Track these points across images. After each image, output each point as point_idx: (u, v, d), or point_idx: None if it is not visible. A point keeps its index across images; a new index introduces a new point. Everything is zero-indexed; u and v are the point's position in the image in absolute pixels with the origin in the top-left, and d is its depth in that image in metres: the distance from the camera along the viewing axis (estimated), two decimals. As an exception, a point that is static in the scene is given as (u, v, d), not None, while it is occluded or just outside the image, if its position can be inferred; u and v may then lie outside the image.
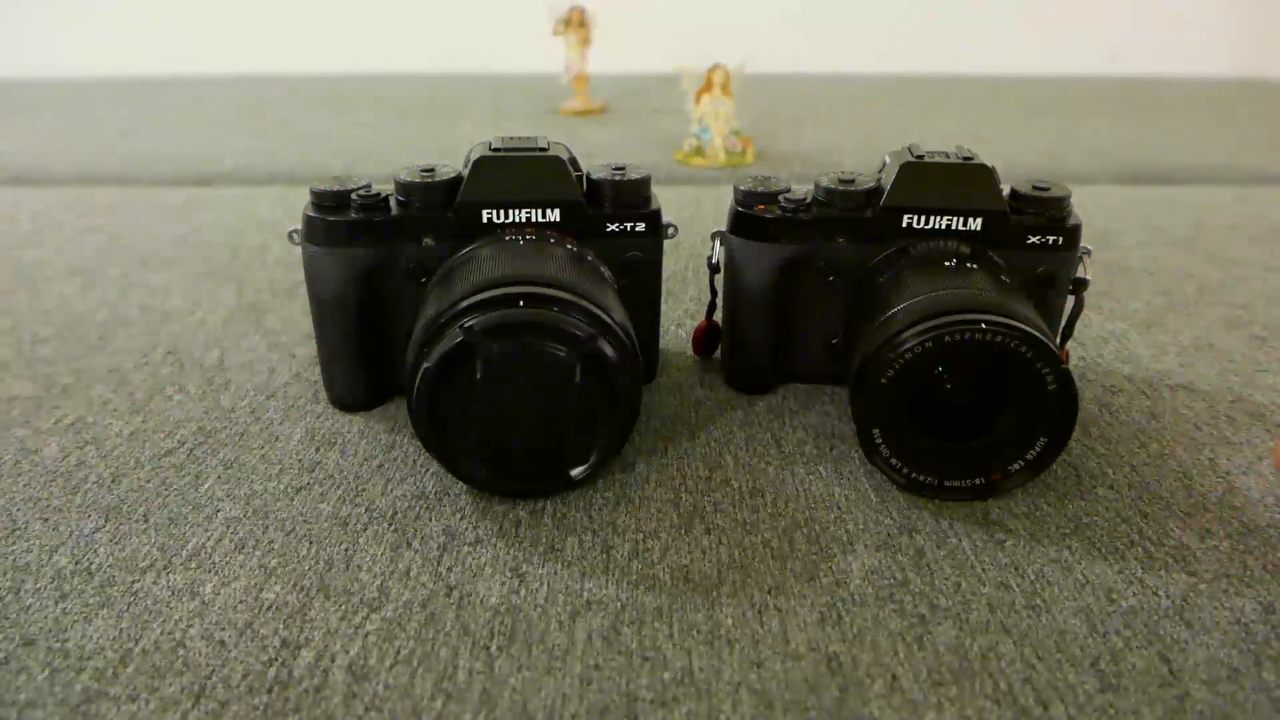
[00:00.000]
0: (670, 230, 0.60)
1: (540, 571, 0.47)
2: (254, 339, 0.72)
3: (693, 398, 0.64)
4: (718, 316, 0.66)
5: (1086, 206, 0.62)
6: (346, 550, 0.48)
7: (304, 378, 0.66)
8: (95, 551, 0.48)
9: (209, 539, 0.49)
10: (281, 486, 0.53)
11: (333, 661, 0.41)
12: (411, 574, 0.46)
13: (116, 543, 0.48)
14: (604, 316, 0.49)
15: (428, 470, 0.55)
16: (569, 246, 0.55)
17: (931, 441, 0.52)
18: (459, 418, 0.49)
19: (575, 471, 0.51)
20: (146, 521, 0.50)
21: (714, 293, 0.65)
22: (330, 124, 1.58)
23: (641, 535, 0.49)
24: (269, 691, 0.39)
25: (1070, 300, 0.60)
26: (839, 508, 0.52)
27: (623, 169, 0.59)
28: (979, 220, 0.56)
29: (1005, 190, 0.57)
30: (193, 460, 0.56)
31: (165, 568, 0.47)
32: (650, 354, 0.64)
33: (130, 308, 0.78)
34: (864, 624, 0.43)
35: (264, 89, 1.89)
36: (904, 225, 0.57)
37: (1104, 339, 0.73)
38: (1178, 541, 0.49)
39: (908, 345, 0.49)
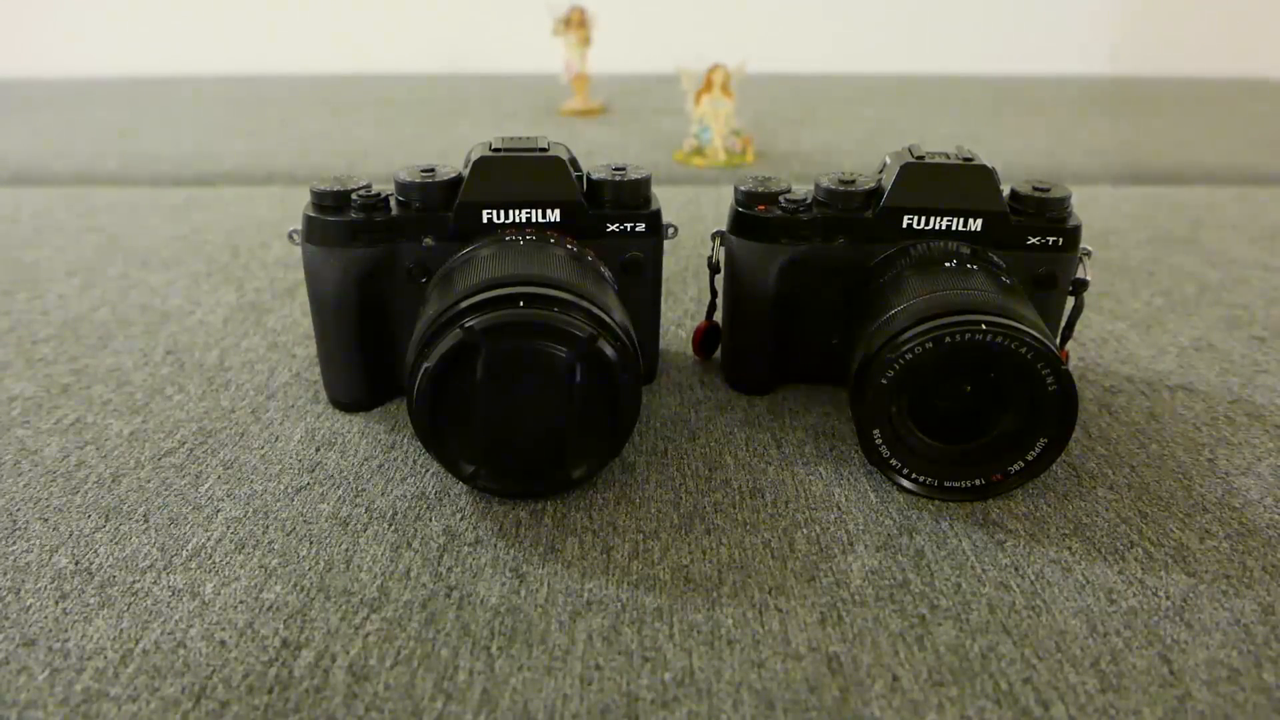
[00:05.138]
0: (670, 230, 0.60)
1: (540, 572, 0.47)
2: (254, 339, 0.72)
3: (693, 398, 0.64)
4: (718, 317, 0.66)
5: (1086, 206, 0.62)
6: (346, 550, 0.48)
7: (304, 378, 0.66)
8: (95, 551, 0.48)
9: (209, 539, 0.49)
10: (281, 487, 0.53)
11: (333, 661, 0.41)
12: (411, 574, 0.46)
13: (116, 543, 0.48)
14: (604, 316, 0.49)
15: (428, 470, 0.55)
16: (569, 246, 0.55)
17: (931, 442, 0.52)
18: (459, 418, 0.49)
19: (575, 472, 0.51)
20: (146, 521, 0.50)
21: (714, 293, 0.65)
22: (330, 124, 1.58)
23: (641, 535, 0.49)
24: (269, 692, 0.39)
25: (1070, 301, 0.60)
26: (839, 508, 0.52)
27: (623, 169, 0.59)
28: (979, 221, 0.56)
29: (1005, 191, 0.57)
30: (193, 460, 0.56)
31: (165, 568, 0.47)
32: (650, 354, 0.64)
33: (130, 308, 0.78)
34: (864, 624, 0.43)
35: (264, 89, 1.89)
36: (904, 226, 0.57)
37: (1104, 339, 0.73)
38: (1178, 542, 0.49)
39: (908, 346, 0.49)
